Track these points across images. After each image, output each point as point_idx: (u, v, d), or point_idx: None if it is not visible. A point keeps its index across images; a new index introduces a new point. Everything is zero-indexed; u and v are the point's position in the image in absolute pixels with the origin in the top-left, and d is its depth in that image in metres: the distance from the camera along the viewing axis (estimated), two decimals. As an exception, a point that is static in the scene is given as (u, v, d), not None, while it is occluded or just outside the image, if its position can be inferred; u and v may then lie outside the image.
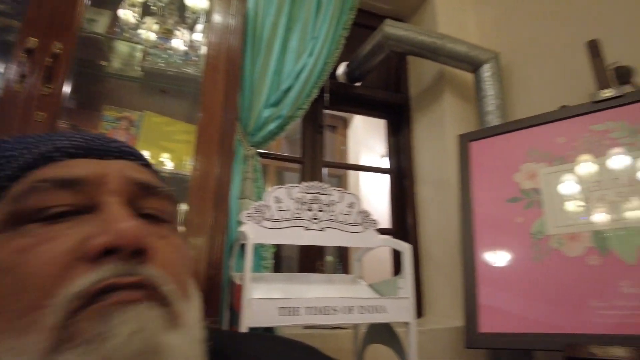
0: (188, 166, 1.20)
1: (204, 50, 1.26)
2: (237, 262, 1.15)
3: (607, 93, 1.33)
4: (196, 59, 1.40)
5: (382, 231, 1.89)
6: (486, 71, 1.76)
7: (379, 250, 1.28)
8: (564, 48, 1.68)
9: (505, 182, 1.40)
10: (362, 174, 3.37)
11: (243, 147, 1.32)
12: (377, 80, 2.18)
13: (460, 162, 1.53)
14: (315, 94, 1.45)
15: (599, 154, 1.27)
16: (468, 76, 1.91)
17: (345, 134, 3.56)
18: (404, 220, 1.99)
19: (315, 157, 1.82)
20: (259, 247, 1.26)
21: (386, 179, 2.11)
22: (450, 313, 1.68)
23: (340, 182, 3.49)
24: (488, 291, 1.27)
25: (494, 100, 1.71)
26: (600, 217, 1.20)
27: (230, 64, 1.24)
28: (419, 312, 1.83)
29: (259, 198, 1.27)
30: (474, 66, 1.79)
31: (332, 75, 1.99)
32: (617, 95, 1.31)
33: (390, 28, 1.75)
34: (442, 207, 1.82)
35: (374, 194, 3.13)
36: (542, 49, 1.80)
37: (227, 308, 1.11)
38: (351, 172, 3.47)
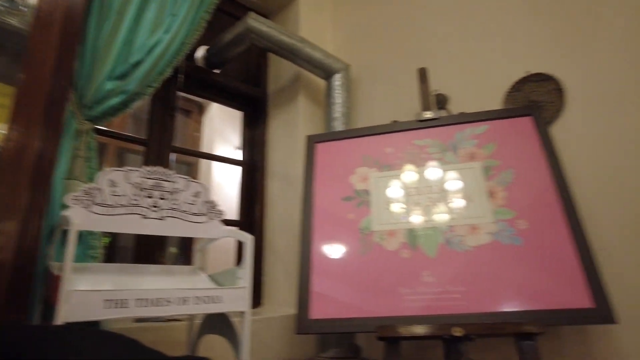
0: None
1: (35, 0, 1.07)
2: (58, 251, 1.01)
3: (428, 114, 1.59)
4: (24, 9, 1.18)
5: (229, 222, 1.91)
6: (337, 80, 1.92)
7: (226, 242, 1.28)
8: (401, 71, 1.94)
9: (342, 182, 1.55)
10: (215, 164, 3.30)
11: (76, 120, 1.16)
12: (238, 71, 2.16)
13: (306, 160, 1.63)
14: (168, 73, 1.37)
15: (419, 165, 1.51)
16: (321, 82, 2.05)
17: (200, 121, 3.43)
18: (252, 212, 2.02)
19: (163, 141, 1.71)
20: (87, 235, 1.13)
21: (238, 170, 2.12)
22: (288, 302, 1.77)
23: (191, 170, 3.35)
24: (321, 280, 1.39)
25: (340, 108, 1.87)
26: (415, 218, 1.43)
27: (68, 23, 1.08)
28: (259, 301, 1.89)
29: (91, 180, 1.13)
30: (327, 74, 1.93)
31: (191, 57, 1.90)
32: (435, 117, 1.58)
33: (254, 22, 1.76)
34: (287, 201, 1.92)
35: (226, 185, 3.10)
36: (384, 68, 2.04)
37: (41, 302, 0.97)
38: (203, 161, 3.36)
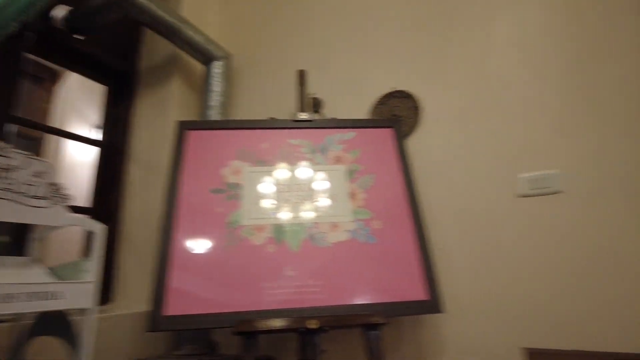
0: None
1: None
2: None
3: (303, 116, 1.65)
4: None
5: (80, 210, 1.69)
6: (217, 68, 1.86)
7: (76, 231, 1.13)
8: (282, 69, 1.97)
9: (213, 174, 1.51)
10: (67, 142, 2.89)
11: None
12: (106, 41, 1.93)
13: (175, 148, 1.54)
14: (14, 28, 1.16)
15: (292, 163, 1.55)
16: (199, 67, 1.96)
17: (53, 91, 2.97)
18: (108, 200, 1.83)
19: (0, 108, 1.44)
20: None
21: (95, 152, 1.89)
22: (143, 298, 1.65)
23: (36, 147, 2.88)
24: (180, 275, 1.32)
25: (218, 97, 1.82)
26: (284, 214, 1.46)
27: None
28: (109, 297, 1.72)
29: None
30: (207, 59, 1.86)
31: (48, 16, 1.64)
32: (309, 119, 1.64)
33: (128, -11, 1.60)
34: (150, 189, 1.78)
35: (79, 168, 2.74)
36: (267, 63, 2.05)
37: None
38: (53, 138, 2.92)
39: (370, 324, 1.21)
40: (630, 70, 1.41)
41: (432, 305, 1.29)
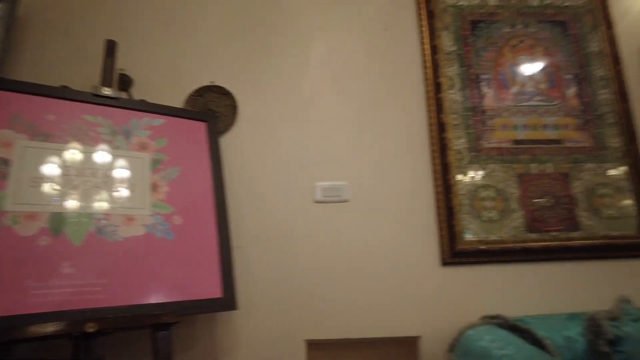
0: None
1: None
2: None
3: (107, 91, 1.46)
4: None
5: None
6: (-8, 10, 1.47)
7: None
8: (87, 34, 1.70)
9: (-33, 144, 1.19)
10: None
11: None
12: None
13: None
14: None
15: (85, 143, 1.34)
16: (-35, 4, 1.52)
17: None
18: None
19: None
20: None
21: None
22: None
23: None
24: None
25: (-9, 48, 1.45)
26: (69, 202, 1.25)
27: None
28: None
29: None
30: (-22, -3, 1.46)
31: None
32: (114, 96, 1.46)
33: None
34: None
35: None
36: (65, 21, 1.73)
37: None
38: None
39: (158, 324, 1.16)
40: (408, 105, 1.75)
41: (226, 302, 1.32)
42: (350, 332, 1.53)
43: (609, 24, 1.92)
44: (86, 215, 1.26)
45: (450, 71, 1.79)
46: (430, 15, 1.84)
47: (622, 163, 1.75)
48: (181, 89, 1.69)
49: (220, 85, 1.70)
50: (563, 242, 1.64)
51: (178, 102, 1.67)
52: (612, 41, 1.89)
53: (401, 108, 1.76)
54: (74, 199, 1.27)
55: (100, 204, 1.29)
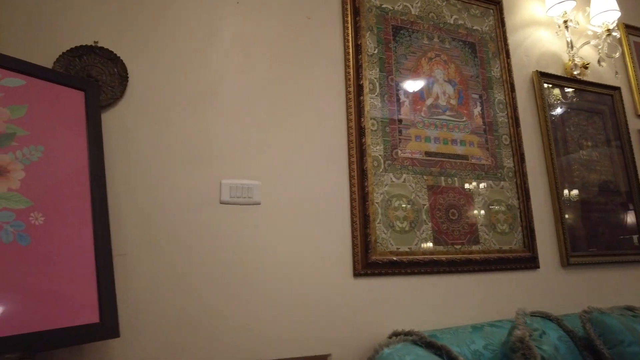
0: None
1: None
2: None
3: None
4: None
5: None
6: None
7: None
8: None
9: None
10: None
11: None
12: None
13: None
14: None
15: None
16: None
17: None
18: None
19: None
20: None
21: None
22: None
23: None
24: None
25: None
26: None
27: None
28: None
29: None
30: None
31: None
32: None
33: None
34: None
35: None
36: None
37: None
38: None
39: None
40: (327, 104, 1.62)
41: (104, 329, 1.00)
42: (252, 353, 1.32)
43: (507, 53, 2.07)
44: None
45: (372, 74, 1.72)
46: (356, 12, 1.75)
47: (513, 183, 1.89)
48: (52, 44, 1.29)
49: (108, 48, 1.35)
50: (466, 255, 1.68)
51: (46, 60, 1.27)
52: (509, 69, 2.04)
53: (320, 106, 1.62)
54: None
55: None
